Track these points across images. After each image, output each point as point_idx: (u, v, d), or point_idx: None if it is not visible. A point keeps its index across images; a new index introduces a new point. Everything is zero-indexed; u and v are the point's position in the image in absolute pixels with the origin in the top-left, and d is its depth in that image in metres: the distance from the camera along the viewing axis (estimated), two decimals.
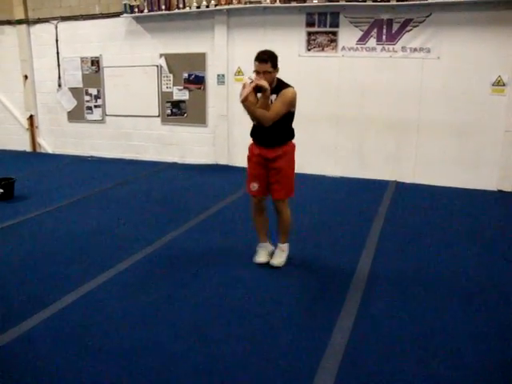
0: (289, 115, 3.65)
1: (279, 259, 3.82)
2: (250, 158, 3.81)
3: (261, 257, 3.86)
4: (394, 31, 6.33)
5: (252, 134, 3.77)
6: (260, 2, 6.82)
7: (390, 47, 6.40)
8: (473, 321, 3.00)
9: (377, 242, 4.38)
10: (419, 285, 3.51)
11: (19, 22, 8.65)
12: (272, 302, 3.28)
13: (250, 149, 3.81)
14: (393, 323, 2.97)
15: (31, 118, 9.10)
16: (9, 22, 8.78)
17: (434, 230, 4.75)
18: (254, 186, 3.74)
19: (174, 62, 7.59)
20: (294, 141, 3.90)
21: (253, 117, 3.50)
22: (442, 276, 3.67)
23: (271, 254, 3.89)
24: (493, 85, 6.05)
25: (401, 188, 6.37)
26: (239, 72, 7.17)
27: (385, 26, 6.36)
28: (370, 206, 5.50)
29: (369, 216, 5.10)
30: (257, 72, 3.39)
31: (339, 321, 2.98)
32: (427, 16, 6.14)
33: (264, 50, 3.46)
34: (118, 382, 2.42)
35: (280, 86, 3.54)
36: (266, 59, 3.36)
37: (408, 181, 6.62)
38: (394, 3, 6.15)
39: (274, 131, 3.60)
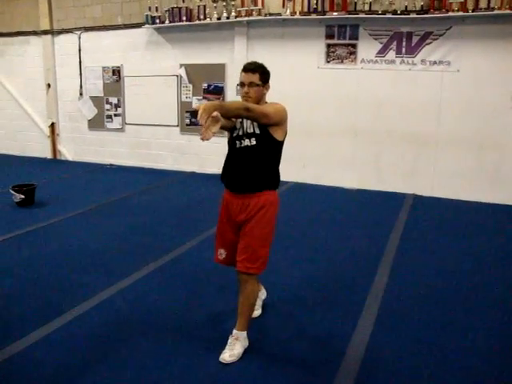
0: (276, 145, 2.76)
1: (230, 352, 2.69)
2: (220, 211, 2.92)
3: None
4: (413, 44, 6.32)
5: (223, 175, 2.86)
6: (280, 14, 6.88)
7: (410, 60, 6.38)
8: (492, 336, 2.96)
9: (394, 255, 4.34)
10: (436, 300, 3.47)
11: (44, 32, 8.86)
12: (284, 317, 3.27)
13: (222, 196, 2.90)
14: (408, 342, 2.94)
15: (53, 125, 9.26)
16: (35, 33, 8.99)
17: (452, 242, 4.70)
18: (222, 252, 2.90)
19: (193, 72, 7.68)
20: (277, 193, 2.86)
21: (243, 114, 2.54)
22: (461, 290, 3.62)
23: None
24: None
25: (418, 201, 6.31)
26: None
27: (404, 39, 6.35)
28: (387, 219, 5.46)
29: (386, 229, 5.06)
30: (241, 84, 2.71)
31: (354, 336, 2.97)
32: (447, 29, 6.12)
33: (252, 61, 2.82)
34: None
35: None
36: (254, 69, 2.70)
37: (426, 194, 6.56)
38: (414, 16, 6.15)
39: (253, 168, 2.71)
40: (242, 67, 2.73)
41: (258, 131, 2.69)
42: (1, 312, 3.24)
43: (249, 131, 2.70)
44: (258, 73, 2.70)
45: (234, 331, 2.76)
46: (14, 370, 2.58)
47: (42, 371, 2.57)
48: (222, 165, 2.87)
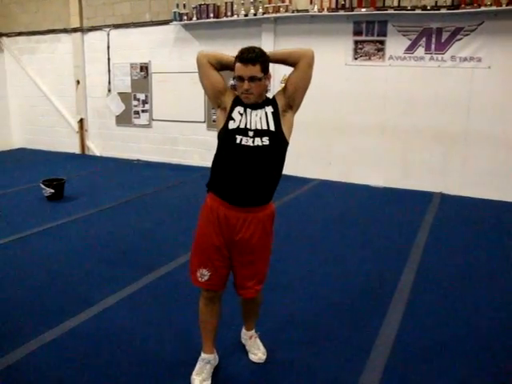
0: (285, 148, 2.31)
1: (262, 349, 2.70)
2: (203, 224, 2.38)
3: (205, 379, 2.43)
4: (443, 40, 6.21)
5: (216, 182, 2.35)
6: (307, 11, 6.84)
7: (439, 56, 6.27)
8: None
9: (421, 254, 4.28)
10: (462, 299, 3.42)
11: (74, 30, 9.03)
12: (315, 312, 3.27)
13: (209, 207, 2.36)
14: (435, 336, 2.91)
15: (81, 121, 9.43)
16: (65, 31, 9.17)
17: (481, 243, 4.61)
18: (204, 274, 2.34)
19: None
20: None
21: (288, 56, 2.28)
22: (491, 291, 3.56)
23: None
24: None
25: (446, 200, 6.21)
26: (285, 79, 7.19)
27: (434, 35, 6.24)
28: (414, 217, 5.39)
29: (413, 227, 5.00)
30: (239, 78, 2.19)
31: (381, 330, 2.95)
32: (479, 24, 5.98)
33: (250, 46, 2.23)
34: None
35: (269, 99, 2.34)
36: (255, 59, 2.17)
37: (454, 193, 6.45)
38: (445, 12, 6.03)
39: (265, 175, 2.27)
40: (239, 56, 2.21)
41: (272, 128, 2.23)
42: (32, 303, 3.33)
43: (259, 127, 2.22)
44: (258, 63, 2.18)
45: (251, 332, 2.73)
46: (50, 356, 2.66)
47: (70, 360, 2.64)
48: (213, 166, 2.36)
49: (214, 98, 2.34)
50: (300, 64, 2.28)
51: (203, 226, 2.37)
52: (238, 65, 2.20)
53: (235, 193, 2.26)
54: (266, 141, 2.21)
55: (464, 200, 6.24)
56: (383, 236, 4.81)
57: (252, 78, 2.18)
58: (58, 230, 4.95)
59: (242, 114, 2.24)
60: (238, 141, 2.20)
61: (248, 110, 2.24)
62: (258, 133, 2.21)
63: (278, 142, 2.25)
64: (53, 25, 9.33)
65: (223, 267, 2.36)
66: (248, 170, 2.22)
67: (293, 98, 2.32)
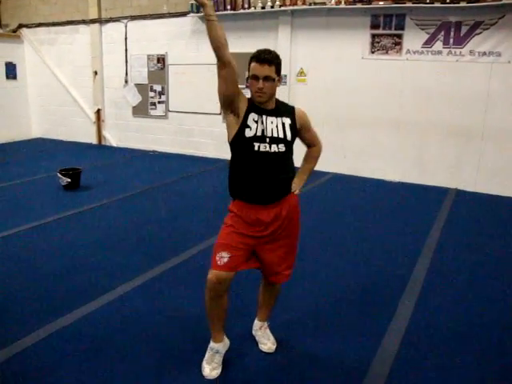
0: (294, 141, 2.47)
1: (271, 339, 2.76)
2: (232, 222, 2.43)
3: (215, 368, 2.49)
4: (462, 34, 6.13)
5: (239, 188, 2.44)
6: (325, 4, 6.81)
7: (457, 51, 6.20)
8: None
9: (433, 250, 4.27)
10: (474, 295, 3.42)
11: (93, 21, 9.10)
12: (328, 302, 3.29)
13: (237, 214, 2.42)
14: (443, 333, 2.92)
15: (98, 111, 9.53)
16: (83, 22, 9.26)
17: (495, 241, 4.58)
18: (224, 256, 2.34)
19: (237, 61, 7.56)
20: None
21: None
22: (504, 291, 3.54)
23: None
24: None
25: (461, 196, 6.17)
26: (301, 73, 7.16)
27: (453, 29, 6.16)
28: (429, 212, 5.37)
29: (427, 223, 4.98)
30: (253, 77, 2.29)
31: (391, 324, 2.97)
32: (500, 18, 5.89)
33: (266, 48, 2.35)
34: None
35: (283, 104, 2.48)
36: (271, 60, 2.28)
37: (469, 189, 6.40)
38: (464, 5, 5.95)
39: (284, 174, 2.42)
40: (256, 56, 2.31)
41: (289, 138, 2.38)
42: (49, 289, 3.41)
43: (275, 135, 2.34)
44: (274, 65, 2.29)
45: (261, 322, 2.77)
46: (65, 340, 2.73)
47: (85, 345, 2.71)
48: (233, 173, 2.45)
49: (230, 101, 2.32)
50: (317, 148, 2.63)
51: (231, 222, 2.42)
52: (254, 64, 2.29)
53: (262, 194, 2.37)
54: (282, 147, 2.36)
55: (479, 196, 6.19)
56: (396, 231, 4.80)
57: (267, 78, 2.27)
58: (74, 218, 5.03)
59: (256, 122, 2.33)
60: (256, 148, 2.32)
61: (263, 117, 2.34)
62: (275, 140, 2.34)
63: (291, 147, 2.43)
64: (72, 16, 9.42)
65: (243, 252, 2.37)
66: (269, 172, 2.35)
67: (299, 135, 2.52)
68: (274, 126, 2.34)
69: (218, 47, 2.18)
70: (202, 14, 7.71)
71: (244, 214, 2.39)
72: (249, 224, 2.39)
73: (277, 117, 2.37)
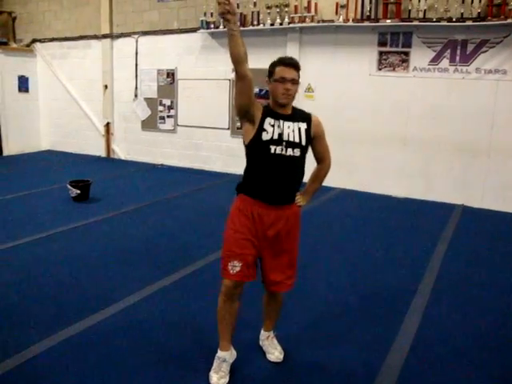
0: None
1: (278, 348, 2.80)
2: (236, 221, 2.51)
3: (222, 377, 2.52)
4: (468, 52, 6.20)
5: (252, 185, 2.51)
6: (333, 21, 6.91)
7: (464, 68, 6.26)
8: None
9: (439, 265, 4.28)
10: (481, 311, 3.42)
11: (104, 36, 9.28)
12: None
13: (241, 207, 2.52)
14: (449, 348, 2.92)
15: (108, 125, 9.65)
16: (95, 37, 9.43)
17: (502, 257, 4.58)
18: (236, 265, 2.43)
19: None
20: None
21: None
22: (508, 303, 3.55)
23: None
24: None
25: (468, 212, 6.17)
26: (309, 89, 7.25)
27: (459, 47, 6.24)
28: (435, 229, 5.38)
29: (433, 239, 4.99)
30: (281, 79, 2.41)
31: (398, 335, 2.98)
32: (505, 36, 5.96)
33: (287, 55, 2.64)
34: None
35: (300, 111, 2.58)
36: (296, 64, 2.46)
37: (476, 205, 6.41)
38: (470, 23, 6.03)
39: (296, 178, 2.54)
40: (282, 61, 2.49)
41: (304, 143, 2.48)
42: (58, 298, 3.45)
43: (291, 139, 2.44)
44: (298, 70, 2.46)
45: (268, 332, 2.82)
46: (71, 350, 2.77)
47: (93, 354, 2.75)
48: (247, 173, 2.55)
49: (245, 110, 2.42)
50: (325, 165, 2.73)
51: (236, 223, 2.50)
52: (281, 68, 2.44)
53: (269, 193, 2.46)
54: (297, 152, 2.46)
55: (486, 213, 6.20)
56: (403, 246, 4.82)
57: (293, 81, 2.42)
58: (83, 229, 5.09)
59: (273, 126, 2.43)
60: (272, 151, 2.42)
61: (280, 121, 2.44)
62: (291, 144, 2.44)
63: (305, 153, 2.52)
64: (84, 31, 9.61)
65: (253, 257, 2.48)
66: (281, 175, 2.45)
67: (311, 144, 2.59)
68: (291, 130, 2.45)
69: (238, 61, 2.33)
70: (211, 30, 7.87)
71: (244, 208, 2.49)
72: (251, 219, 2.46)
73: (293, 122, 2.47)
